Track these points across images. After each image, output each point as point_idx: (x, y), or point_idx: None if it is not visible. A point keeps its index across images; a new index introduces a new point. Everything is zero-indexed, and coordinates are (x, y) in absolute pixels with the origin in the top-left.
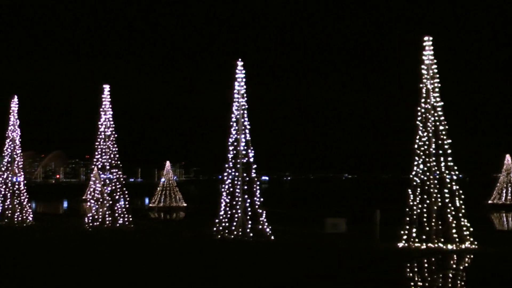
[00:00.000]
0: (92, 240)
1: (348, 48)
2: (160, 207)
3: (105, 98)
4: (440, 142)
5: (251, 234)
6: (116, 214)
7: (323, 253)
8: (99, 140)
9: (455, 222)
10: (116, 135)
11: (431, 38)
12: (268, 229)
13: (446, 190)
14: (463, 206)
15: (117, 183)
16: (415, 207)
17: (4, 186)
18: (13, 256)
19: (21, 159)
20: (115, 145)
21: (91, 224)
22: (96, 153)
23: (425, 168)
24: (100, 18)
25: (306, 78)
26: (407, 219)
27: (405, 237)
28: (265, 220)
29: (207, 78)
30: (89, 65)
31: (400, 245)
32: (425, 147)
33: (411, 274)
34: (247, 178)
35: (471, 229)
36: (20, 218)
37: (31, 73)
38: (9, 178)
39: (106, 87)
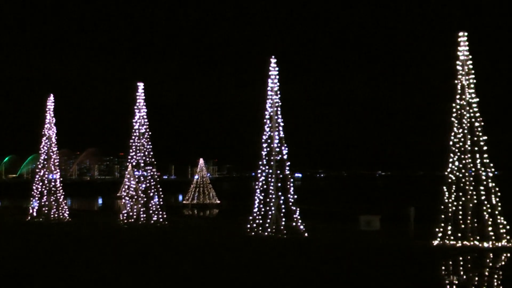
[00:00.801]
0: (127, 237)
1: (382, 44)
2: (194, 204)
3: (139, 96)
4: (475, 138)
5: (285, 231)
6: (151, 211)
7: (357, 251)
8: (133, 137)
9: (491, 219)
10: (150, 133)
11: (466, 34)
12: (301, 226)
13: (481, 187)
14: (499, 204)
15: (151, 180)
16: (450, 205)
17: (40, 183)
18: (51, 252)
19: (57, 157)
20: (149, 143)
21: (125, 221)
22: (131, 150)
23: (460, 165)
24: (135, 17)
25: (340, 75)
26: (442, 216)
27: (440, 234)
28: (298, 217)
29: (241, 76)
30: (124, 63)
31: (435, 242)
32: (460, 143)
33: (446, 272)
34: (281, 175)
35: (508, 227)
36: (56, 215)
37: (66, 72)
38: (46, 176)
39: (140, 85)
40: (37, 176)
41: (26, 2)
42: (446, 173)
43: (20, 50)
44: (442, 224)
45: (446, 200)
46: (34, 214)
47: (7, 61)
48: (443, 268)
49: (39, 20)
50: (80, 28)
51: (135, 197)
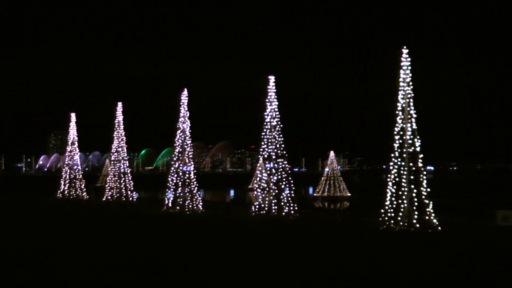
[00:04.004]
0: (259, 228)
1: None
2: (324, 197)
3: (271, 89)
4: None
5: (418, 225)
6: (282, 203)
7: (494, 247)
8: (265, 130)
9: None
10: (281, 126)
11: None
12: (435, 220)
13: None
14: None
15: (283, 173)
16: None
17: (175, 175)
18: (186, 241)
19: (191, 150)
20: (281, 135)
21: (257, 213)
22: (262, 143)
23: None
24: (265, 13)
25: (474, 65)
26: None
27: None
28: (432, 210)
29: (372, 67)
30: (255, 57)
31: None
32: None
33: None
34: (413, 168)
35: None
36: (190, 206)
37: (199, 67)
38: (180, 168)
39: (271, 79)
40: (172, 168)
41: (161, 7)
42: None
43: (156, 48)
44: None
45: None
46: (170, 205)
47: (145, 59)
48: None
49: (173, 20)
50: (213, 25)
51: (267, 189)
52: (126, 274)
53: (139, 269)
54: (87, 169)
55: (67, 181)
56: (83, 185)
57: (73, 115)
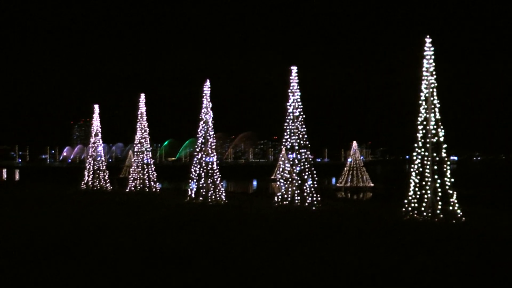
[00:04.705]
0: (282, 219)
1: None
2: (347, 187)
3: (293, 80)
4: None
5: (441, 216)
6: (305, 194)
7: None
8: (287, 121)
9: None
10: (304, 116)
11: None
12: (459, 211)
13: None
14: None
15: (306, 163)
16: None
17: (198, 166)
18: (210, 232)
19: (213, 140)
20: (304, 126)
21: (280, 203)
22: (285, 133)
23: None
24: (287, 5)
25: (498, 55)
26: None
27: None
28: (455, 201)
29: (394, 57)
30: (278, 50)
31: None
32: None
33: None
34: (437, 158)
35: None
36: (213, 197)
37: (222, 58)
38: (203, 159)
39: (294, 69)
40: (195, 159)
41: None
42: None
43: (180, 41)
44: None
45: None
46: (193, 195)
47: (169, 52)
48: None
49: (197, 13)
50: (235, 17)
51: (290, 179)
52: (149, 266)
53: (163, 260)
54: (110, 160)
55: (91, 172)
56: (107, 176)
57: (96, 106)
